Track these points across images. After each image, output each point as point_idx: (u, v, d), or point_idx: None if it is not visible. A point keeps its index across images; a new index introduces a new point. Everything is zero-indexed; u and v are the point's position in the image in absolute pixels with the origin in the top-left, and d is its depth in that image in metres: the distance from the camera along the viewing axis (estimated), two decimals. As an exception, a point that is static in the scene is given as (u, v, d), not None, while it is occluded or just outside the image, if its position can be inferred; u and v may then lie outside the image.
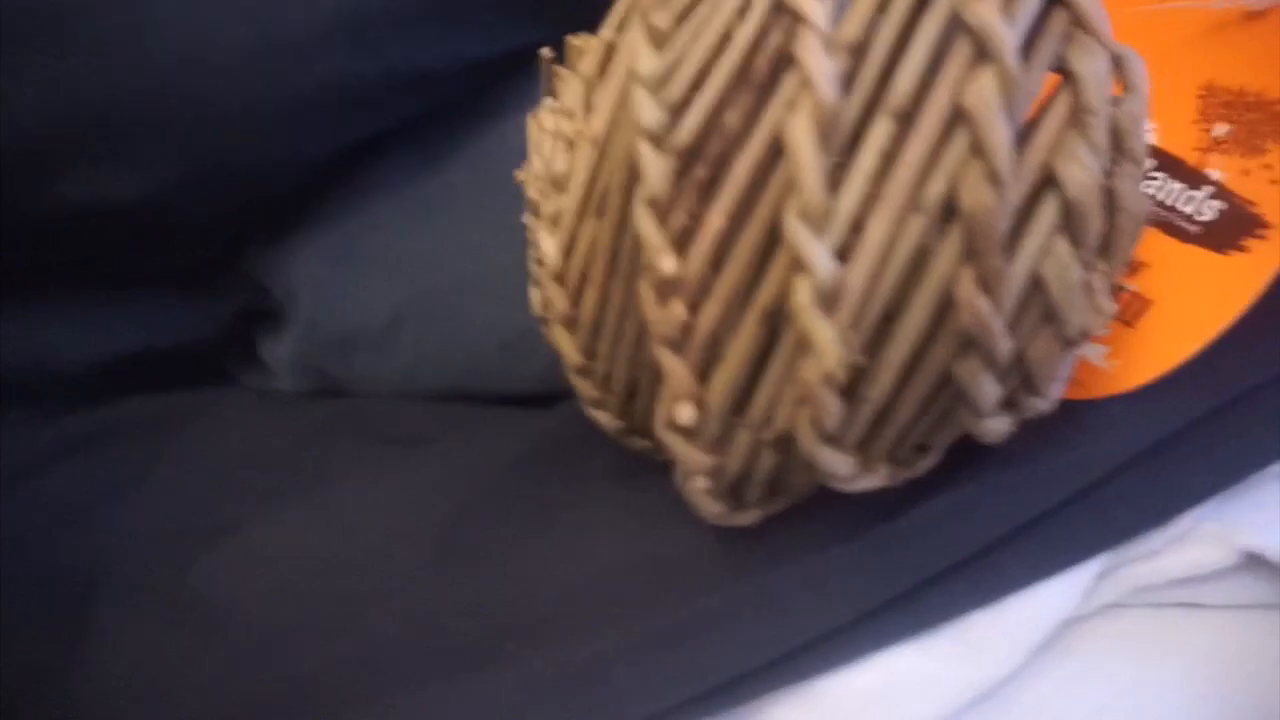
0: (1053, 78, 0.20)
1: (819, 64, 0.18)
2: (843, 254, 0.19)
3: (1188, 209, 0.27)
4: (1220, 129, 0.26)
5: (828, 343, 0.19)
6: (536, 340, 0.36)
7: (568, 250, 0.23)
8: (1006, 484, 0.26)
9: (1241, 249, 0.26)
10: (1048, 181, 0.20)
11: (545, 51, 0.27)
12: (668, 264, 0.19)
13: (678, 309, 0.20)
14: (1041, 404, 0.23)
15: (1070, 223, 0.20)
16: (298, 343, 0.38)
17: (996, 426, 0.23)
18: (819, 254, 0.18)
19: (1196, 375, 0.27)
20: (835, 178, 0.19)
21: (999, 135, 0.18)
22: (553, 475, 0.31)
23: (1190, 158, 0.27)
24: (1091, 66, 0.19)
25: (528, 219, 0.26)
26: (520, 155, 0.36)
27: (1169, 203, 0.27)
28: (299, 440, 0.36)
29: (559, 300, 0.24)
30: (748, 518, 0.26)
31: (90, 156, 0.31)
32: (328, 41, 0.31)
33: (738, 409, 0.22)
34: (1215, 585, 0.26)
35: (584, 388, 0.25)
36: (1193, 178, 0.27)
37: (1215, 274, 0.26)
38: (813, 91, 0.18)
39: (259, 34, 0.30)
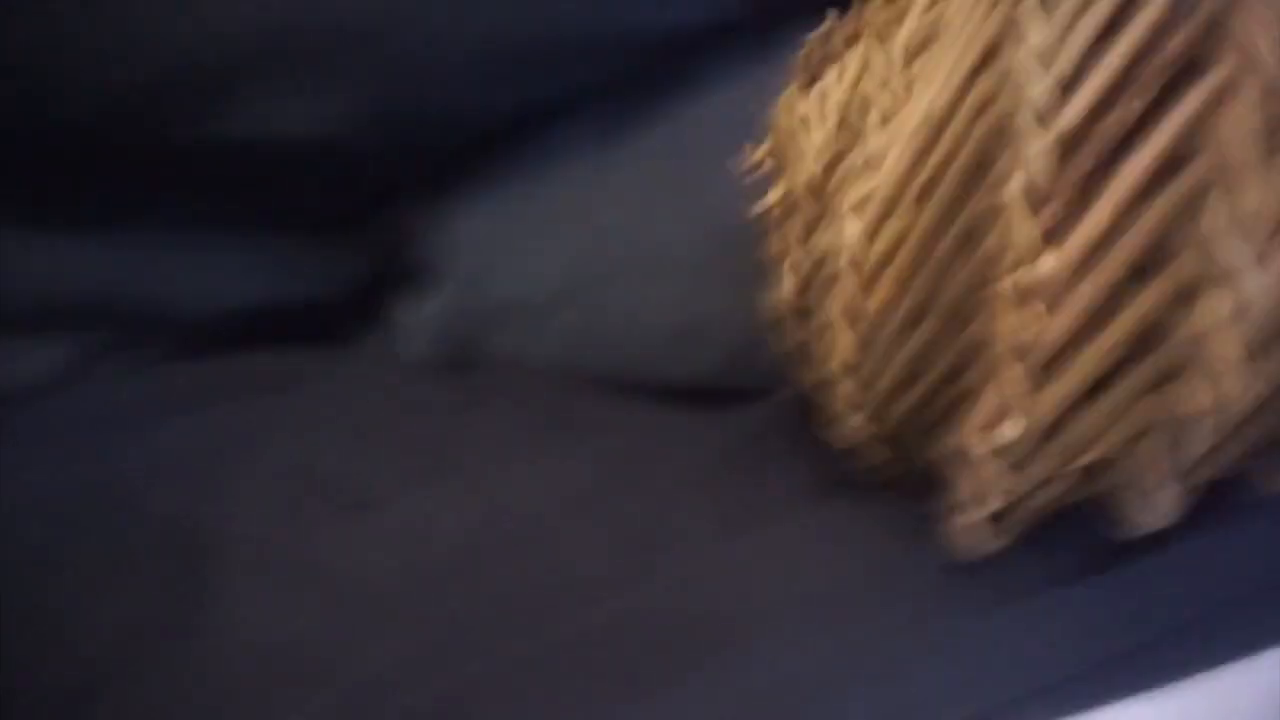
0: None
1: (1266, 50, 0.16)
2: (1261, 260, 0.17)
3: None
4: None
5: (1237, 363, 0.17)
6: (711, 329, 0.34)
7: (872, 235, 0.21)
8: (1261, 535, 0.24)
9: None
10: None
11: (823, 27, 0.25)
12: (1046, 263, 0.17)
13: (1038, 312, 0.18)
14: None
15: None
16: (448, 307, 0.35)
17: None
18: (1248, 263, 0.16)
19: None
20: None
21: None
22: (749, 480, 0.28)
23: None
24: None
25: (781, 202, 0.24)
26: (714, 132, 0.34)
27: None
28: (444, 413, 0.34)
29: (850, 288, 0.21)
30: (991, 546, 0.24)
31: (272, 89, 0.29)
32: None
33: (1058, 427, 0.20)
34: None
35: (845, 387, 0.23)
36: None
37: None
38: (1259, 80, 0.16)
39: None
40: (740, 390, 0.33)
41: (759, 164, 0.27)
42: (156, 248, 0.34)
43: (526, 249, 0.34)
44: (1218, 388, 0.17)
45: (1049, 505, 0.22)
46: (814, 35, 0.25)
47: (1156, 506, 0.20)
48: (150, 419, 0.34)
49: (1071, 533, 0.23)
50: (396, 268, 0.37)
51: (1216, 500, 0.23)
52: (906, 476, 0.26)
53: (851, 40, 0.24)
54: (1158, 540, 0.23)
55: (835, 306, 0.22)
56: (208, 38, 0.28)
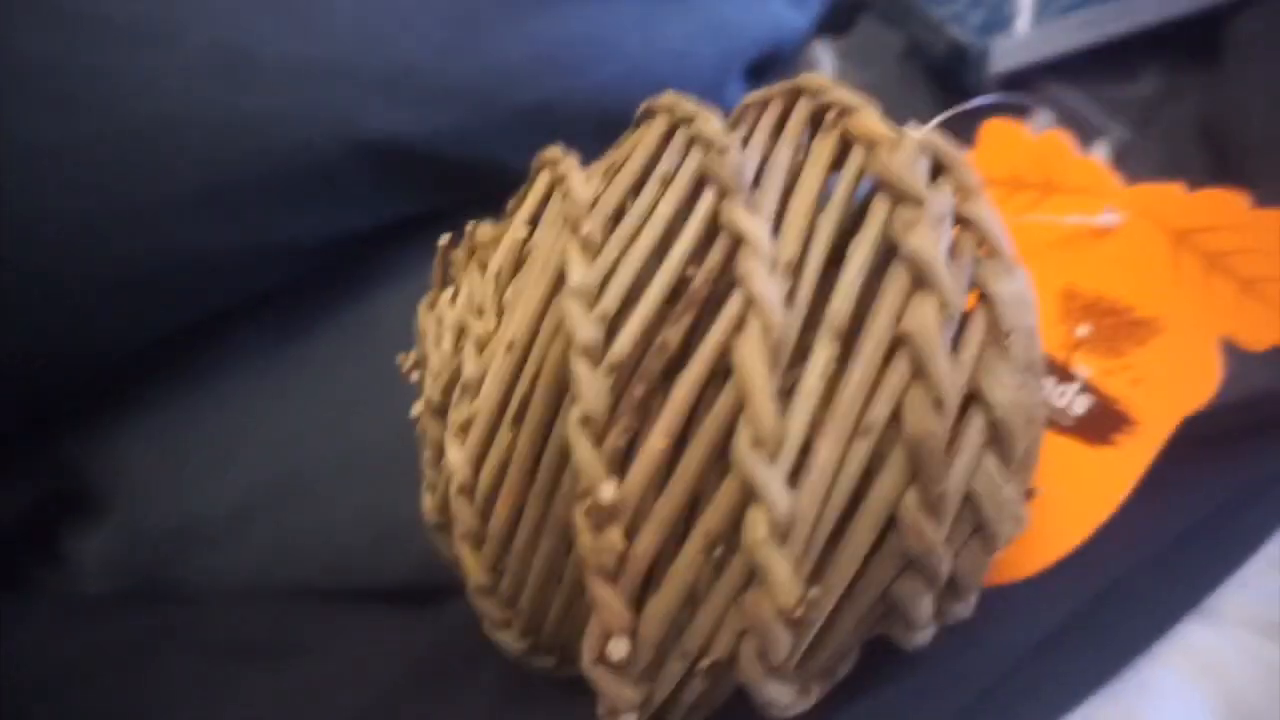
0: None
1: (766, 287, 0.18)
2: (792, 480, 0.18)
3: (1060, 403, 0.28)
4: (1083, 329, 0.29)
5: (784, 578, 0.17)
6: (411, 531, 0.33)
7: (477, 462, 0.21)
8: (920, 687, 0.25)
9: (1112, 443, 0.28)
10: (972, 400, 0.20)
11: (444, 238, 0.25)
12: (607, 491, 0.18)
13: (614, 536, 0.18)
14: (964, 610, 0.23)
15: (997, 440, 0.20)
16: (117, 537, 0.32)
17: (925, 637, 0.22)
18: (775, 485, 0.17)
19: (1080, 564, 0.28)
20: (782, 402, 0.18)
21: (941, 362, 0.18)
22: (440, 696, 0.27)
23: (1058, 355, 0.29)
24: (1008, 287, 0.20)
25: (423, 416, 0.24)
26: (392, 331, 0.34)
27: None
28: (116, 660, 0.30)
29: (466, 515, 0.21)
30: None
31: None
32: (185, 211, 0.28)
33: (671, 638, 0.20)
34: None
35: (487, 607, 0.23)
36: (1062, 374, 0.29)
37: (1092, 466, 0.28)
38: (761, 315, 0.18)
39: (104, 200, 0.26)
40: (448, 585, 0.32)
41: (410, 370, 0.27)
42: None
43: (202, 465, 0.32)
44: (774, 601, 0.17)
45: (701, 704, 0.22)
46: (439, 246, 0.26)
47: (775, 701, 0.20)
48: None
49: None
50: (62, 498, 0.34)
51: (880, 661, 0.24)
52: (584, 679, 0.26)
53: (468, 256, 0.25)
54: (830, 704, 0.23)
55: (457, 532, 0.22)
56: None
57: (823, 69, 0.46)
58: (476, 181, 0.33)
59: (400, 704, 0.28)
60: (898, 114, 0.23)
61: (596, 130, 0.34)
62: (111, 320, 0.30)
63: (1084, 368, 0.28)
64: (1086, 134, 0.43)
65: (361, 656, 0.30)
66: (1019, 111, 0.42)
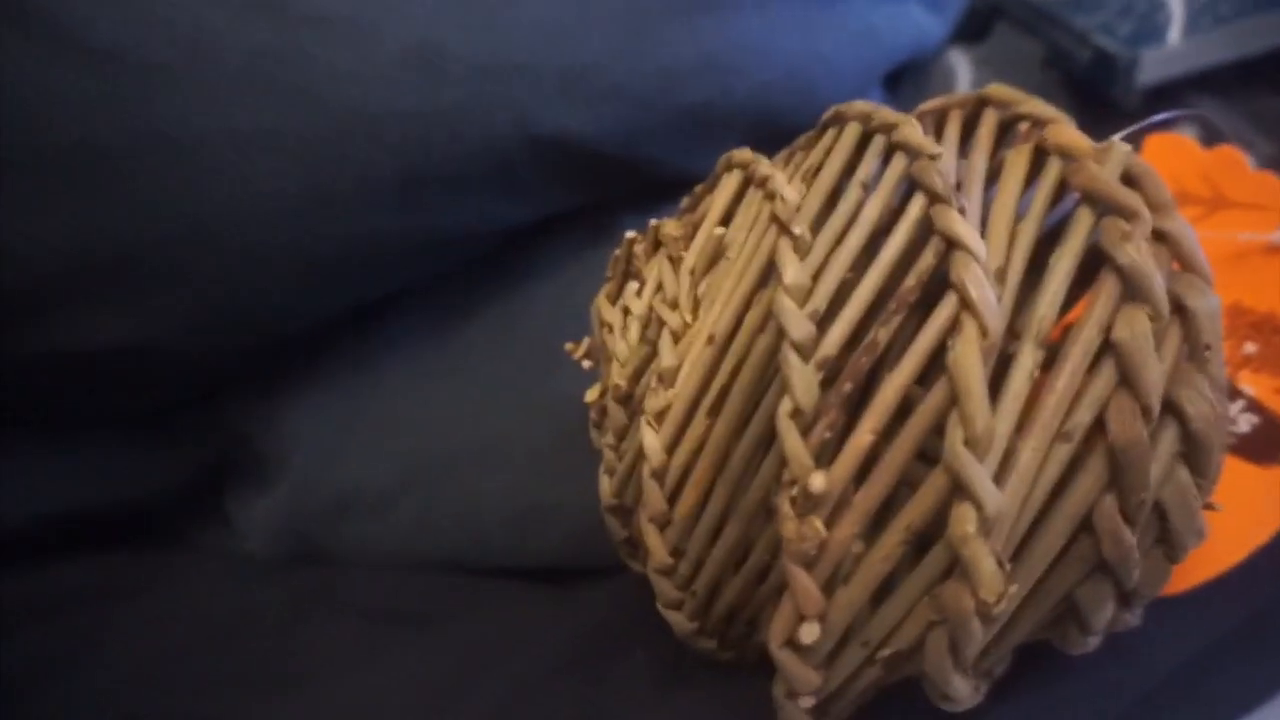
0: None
1: (984, 293, 0.18)
2: (997, 479, 0.18)
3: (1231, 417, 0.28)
4: (1250, 347, 0.28)
5: (990, 573, 0.18)
6: (552, 515, 0.34)
7: (671, 447, 0.22)
8: (1075, 693, 0.26)
9: (1277, 463, 0.27)
10: (1167, 411, 0.20)
11: (631, 234, 0.26)
12: (817, 482, 0.19)
13: (816, 525, 0.19)
14: (1134, 619, 0.23)
15: (1191, 452, 0.20)
16: (284, 503, 0.34)
17: (1094, 642, 0.23)
18: (985, 483, 0.18)
19: (1238, 582, 0.28)
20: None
21: (1153, 373, 0.19)
22: (594, 675, 0.28)
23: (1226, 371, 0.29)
24: (1206, 304, 0.20)
25: (607, 402, 0.25)
26: (539, 321, 0.35)
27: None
28: (276, 618, 0.32)
29: (655, 498, 0.22)
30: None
31: (99, 299, 0.28)
32: (377, 198, 0.29)
33: (857, 626, 0.21)
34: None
35: (664, 587, 0.24)
36: (1228, 391, 0.28)
37: (1255, 485, 0.27)
38: (978, 319, 0.18)
39: (306, 184, 0.28)
40: (589, 569, 0.33)
41: (582, 358, 0.28)
42: None
43: (363, 441, 0.34)
44: (976, 593, 0.18)
45: (868, 690, 0.23)
46: (627, 241, 0.27)
47: (952, 694, 0.21)
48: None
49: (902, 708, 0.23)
50: (230, 464, 0.36)
51: (1029, 666, 0.24)
52: (743, 662, 0.27)
53: (650, 252, 0.26)
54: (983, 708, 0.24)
55: (643, 514, 0.23)
56: (43, 253, 0.28)
57: (959, 77, 0.46)
58: (633, 177, 0.34)
59: (554, 680, 0.29)
60: None
61: (746, 131, 0.35)
62: (294, 298, 0.32)
63: (1249, 386, 0.28)
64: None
65: (511, 631, 0.31)
66: (1164, 125, 0.41)
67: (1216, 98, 0.43)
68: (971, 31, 0.49)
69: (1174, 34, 0.41)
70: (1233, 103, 0.43)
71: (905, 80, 0.45)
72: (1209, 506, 0.23)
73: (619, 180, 0.35)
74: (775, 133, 0.31)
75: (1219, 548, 0.27)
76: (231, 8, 0.27)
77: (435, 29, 0.29)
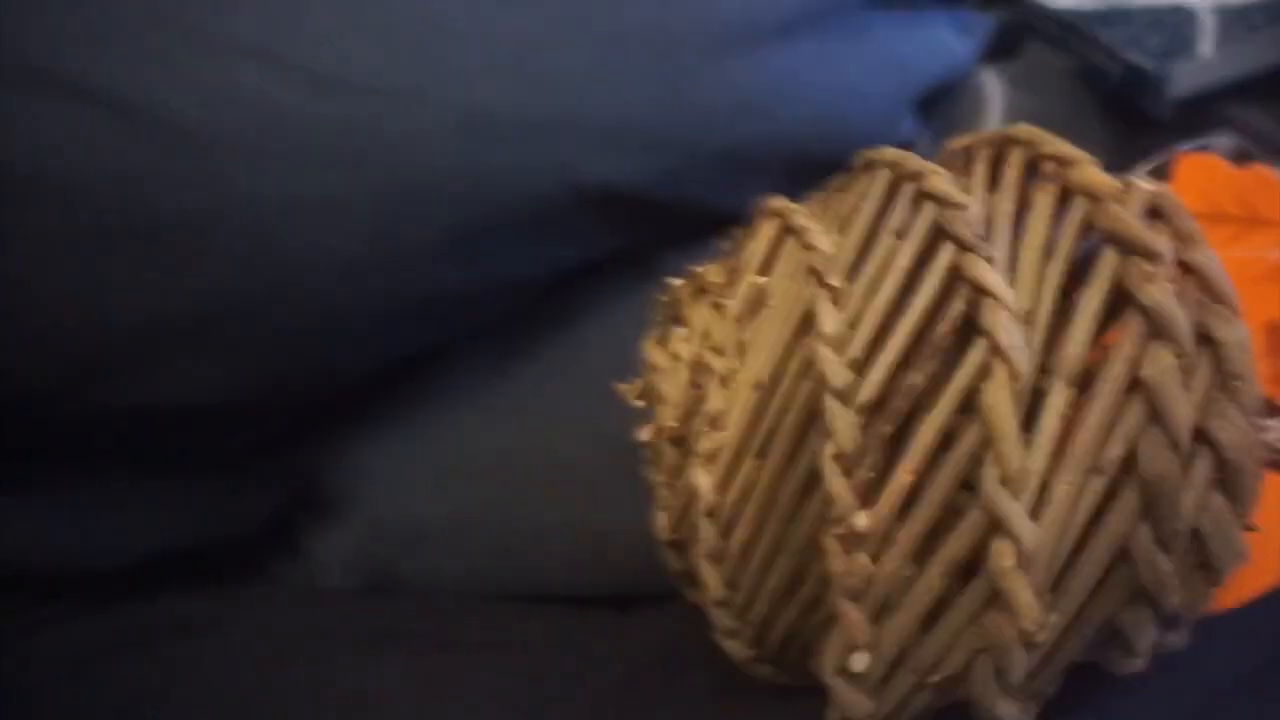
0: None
1: (1011, 337, 0.19)
2: (1033, 514, 0.19)
3: (1266, 439, 0.29)
4: (1288, 364, 0.29)
5: (1029, 604, 0.19)
6: (610, 543, 0.36)
7: (723, 487, 0.23)
8: (1129, 709, 0.26)
9: (1321, 478, 0.28)
10: (1200, 440, 0.21)
11: (675, 281, 0.28)
12: (861, 521, 0.20)
13: (862, 560, 0.20)
14: (1178, 640, 0.24)
15: (1226, 480, 0.21)
16: (356, 536, 0.37)
17: (1140, 664, 0.23)
18: (1021, 519, 0.19)
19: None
20: (1022, 440, 0.20)
21: (1181, 407, 0.19)
22: (653, 700, 0.30)
23: (1264, 389, 0.29)
24: (1234, 334, 0.21)
25: (659, 443, 0.26)
26: (595, 359, 0.37)
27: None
28: (363, 646, 0.34)
29: (710, 535, 0.24)
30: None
31: (184, 358, 0.31)
32: (436, 253, 0.31)
33: (903, 655, 0.22)
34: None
35: (721, 618, 0.25)
36: (1269, 408, 0.29)
37: (1299, 501, 0.28)
38: (1007, 363, 0.19)
39: (372, 244, 0.30)
40: (648, 594, 0.35)
41: (636, 399, 0.29)
42: (59, 501, 0.35)
43: (429, 477, 0.36)
44: (1017, 624, 0.19)
45: (921, 715, 0.24)
46: (672, 287, 0.28)
47: (1000, 718, 0.21)
48: (62, 676, 0.34)
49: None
50: (304, 501, 0.38)
51: (1080, 685, 0.25)
52: (799, 684, 0.28)
53: (696, 295, 0.27)
54: None
55: (699, 550, 0.24)
56: (118, 316, 0.30)
57: (990, 96, 0.47)
58: (675, 220, 0.36)
59: (618, 704, 0.30)
60: (1071, 140, 0.24)
61: (783, 167, 0.36)
62: (359, 347, 0.34)
63: (1290, 402, 0.28)
64: (1271, 155, 0.42)
65: (576, 657, 0.33)
66: (1198, 134, 0.41)
67: (1254, 106, 0.44)
68: (1002, 49, 0.49)
69: (1205, 45, 0.42)
70: (1270, 110, 0.43)
71: (938, 102, 0.46)
72: (1249, 528, 0.24)
73: (665, 222, 0.36)
74: (811, 166, 0.32)
75: (1264, 564, 0.28)
76: (295, 83, 0.30)
77: (482, 93, 0.30)
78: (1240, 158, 0.38)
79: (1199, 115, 0.43)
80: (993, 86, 0.47)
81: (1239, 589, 0.28)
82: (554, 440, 0.36)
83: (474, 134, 0.30)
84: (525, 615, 0.35)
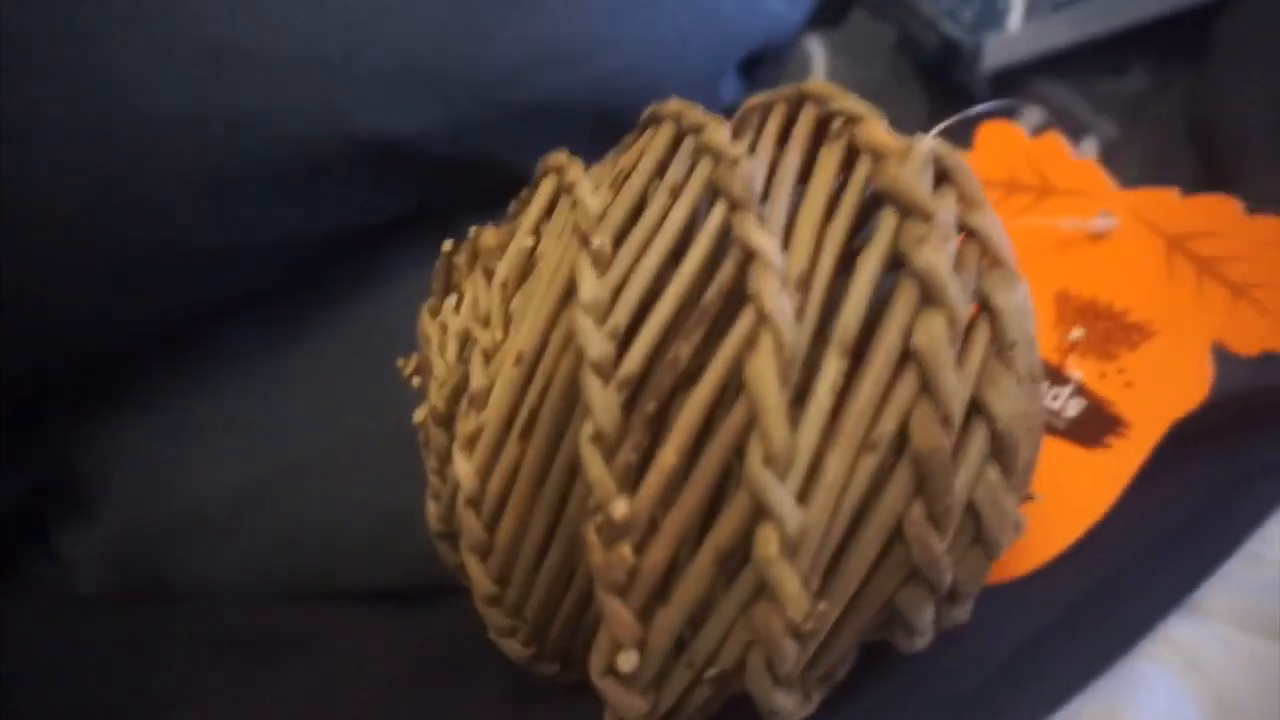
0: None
1: (779, 304, 0.18)
2: (801, 496, 0.18)
3: (1054, 406, 0.29)
4: (1076, 333, 0.29)
5: (794, 593, 0.18)
6: (407, 524, 0.33)
7: (485, 473, 0.21)
8: (913, 685, 0.26)
9: (1105, 446, 0.28)
10: (975, 411, 0.20)
11: (447, 244, 0.25)
12: (620, 508, 0.18)
13: (625, 552, 0.18)
14: (961, 615, 0.23)
15: (1000, 451, 0.20)
16: (110, 534, 0.32)
17: (924, 642, 0.23)
18: (785, 502, 0.17)
19: (1069, 564, 0.28)
20: (791, 416, 0.18)
21: (949, 378, 0.18)
22: (445, 694, 0.27)
23: (1052, 358, 0.29)
24: (1011, 300, 0.20)
25: (427, 425, 0.24)
26: (390, 328, 0.33)
27: (1038, 399, 0.29)
28: (109, 657, 0.30)
29: (473, 527, 0.21)
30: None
31: None
32: (184, 204, 0.27)
33: (678, 648, 0.20)
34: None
35: (493, 616, 0.23)
36: (1056, 377, 0.29)
37: (1084, 468, 0.28)
38: (774, 332, 0.18)
39: (103, 191, 0.26)
40: (444, 586, 0.32)
41: (411, 375, 0.27)
42: None
43: (199, 459, 0.32)
44: (784, 615, 0.18)
45: (705, 709, 0.22)
46: (443, 252, 0.25)
47: (777, 709, 0.20)
48: None
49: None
50: (52, 490, 0.33)
51: (870, 664, 0.24)
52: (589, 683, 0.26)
53: (470, 263, 0.25)
54: (827, 706, 0.24)
55: (464, 543, 0.22)
56: None
57: (815, 63, 0.46)
58: (474, 179, 0.33)
59: (405, 700, 0.28)
60: (891, 109, 0.23)
61: (596, 127, 0.34)
62: (107, 311, 0.30)
63: (1077, 371, 0.29)
64: (1075, 130, 0.43)
65: (364, 653, 0.30)
66: (1010, 109, 0.42)
67: (1061, 80, 0.44)
68: (829, 17, 0.49)
69: (1015, 18, 0.42)
70: (1076, 84, 0.45)
71: (763, 67, 0.45)
72: (1028, 498, 0.24)
73: (461, 181, 0.33)
74: (626, 124, 0.30)
75: (1052, 532, 0.28)
76: None
77: (232, 26, 0.26)
78: (1049, 125, 0.39)
79: (1010, 89, 0.44)
80: (817, 53, 0.46)
81: (1028, 557, 0.28)
82: (343, 413, 0.33)
83: (221, 73, 0.26)
84: (309, 614, 0.32)
